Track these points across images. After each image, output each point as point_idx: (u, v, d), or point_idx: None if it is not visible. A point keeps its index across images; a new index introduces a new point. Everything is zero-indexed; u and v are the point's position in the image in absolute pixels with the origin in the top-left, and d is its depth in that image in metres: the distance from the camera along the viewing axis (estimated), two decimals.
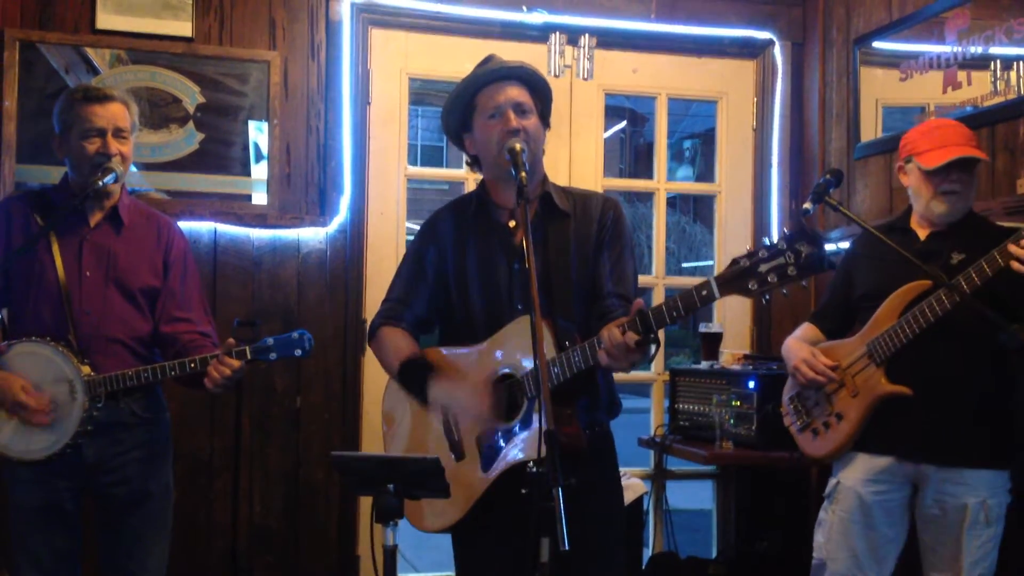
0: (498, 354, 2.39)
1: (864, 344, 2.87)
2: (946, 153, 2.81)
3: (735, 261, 2.03)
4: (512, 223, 2.49)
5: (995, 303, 2.66)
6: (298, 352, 2.79)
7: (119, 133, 2.83)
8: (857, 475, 2.88)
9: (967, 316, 2.68)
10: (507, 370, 2.38)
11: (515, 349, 2.35)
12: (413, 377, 2.49)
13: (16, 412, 2.73)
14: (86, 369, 2.75)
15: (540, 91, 2.50)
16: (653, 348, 2.23)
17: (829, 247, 3.88)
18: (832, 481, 2.96)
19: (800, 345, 3.03)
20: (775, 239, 2.00)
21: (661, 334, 2.25)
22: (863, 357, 2.86)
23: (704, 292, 2.07)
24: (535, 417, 2.26)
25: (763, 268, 1.98)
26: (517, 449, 2.33)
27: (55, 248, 2.80)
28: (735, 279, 2.02)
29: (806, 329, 3.13)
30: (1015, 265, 2.53)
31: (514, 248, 2.47)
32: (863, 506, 2.86)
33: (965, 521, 2.75)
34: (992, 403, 2.81)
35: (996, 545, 2.79)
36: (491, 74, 2.46)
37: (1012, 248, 2.54)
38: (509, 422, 2.36)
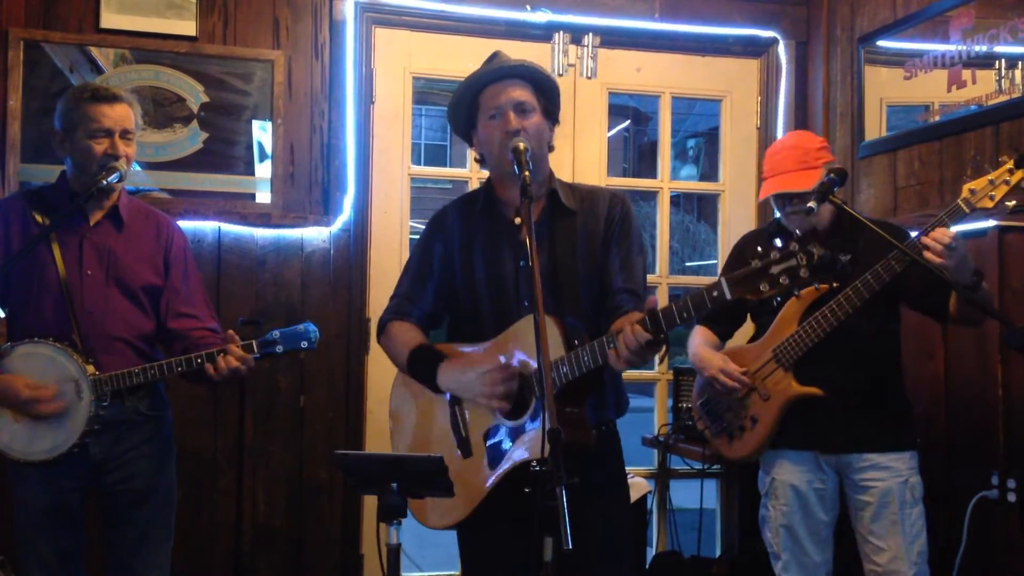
0: (506, 352, 2.39)
1: (770, 349, 3.01)
2: (768, 187, 3.03)
3: (746, 261, 2.02)
4: (518, 220, 2.48)
5: (897, 296, 2.92)
6: (304, 344, 2.82)
7: (126, 134, 2.83)
8: (789, 470, 3.05)
9: (865, 315, 2.87)
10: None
11: (523, 347, 2.34)
12: (423, 365, 2.49)
13: (25, 411, 2.72)
14: (91, 368, 2.75)
15: (544, 88, 2.49)
16: (663, 347, 2.24)
17: None
18: (767, 479, 3.13)
19: (711, 353, 3.15)
20: (786, 241, 1.99)
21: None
22: (770, 362, 3.01)
23: (715, 293, 2.05)
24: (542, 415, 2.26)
25: (775, 270, 1.97)
26: (523, 447, 2.33)
27: (55, 247, 2.80)
28: (746, 280, 2.01)
29: (702, 332, 3.27)
30: (929, 255, 2.65)
31: (520, 245, 2.46)
32: (800, 497, 3.04)
33: (893, 503, 2.92)
34: (893, 390, 3.03)
35: (924, 524, 2.97)
36: (493, 73, 2.46)
37: (926, 240, 2.66)
38: (517, 420, 2.36)
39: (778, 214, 3.15)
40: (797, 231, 3.00)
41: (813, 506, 3.04)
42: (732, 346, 3.23)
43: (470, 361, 2.44)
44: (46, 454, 2.74)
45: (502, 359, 2.37)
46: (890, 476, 2.94)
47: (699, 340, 3.23)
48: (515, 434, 2.35)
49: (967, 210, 2.73)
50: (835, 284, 2.73)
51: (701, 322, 3.29)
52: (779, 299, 2.07)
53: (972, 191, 2.73)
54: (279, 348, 2.80)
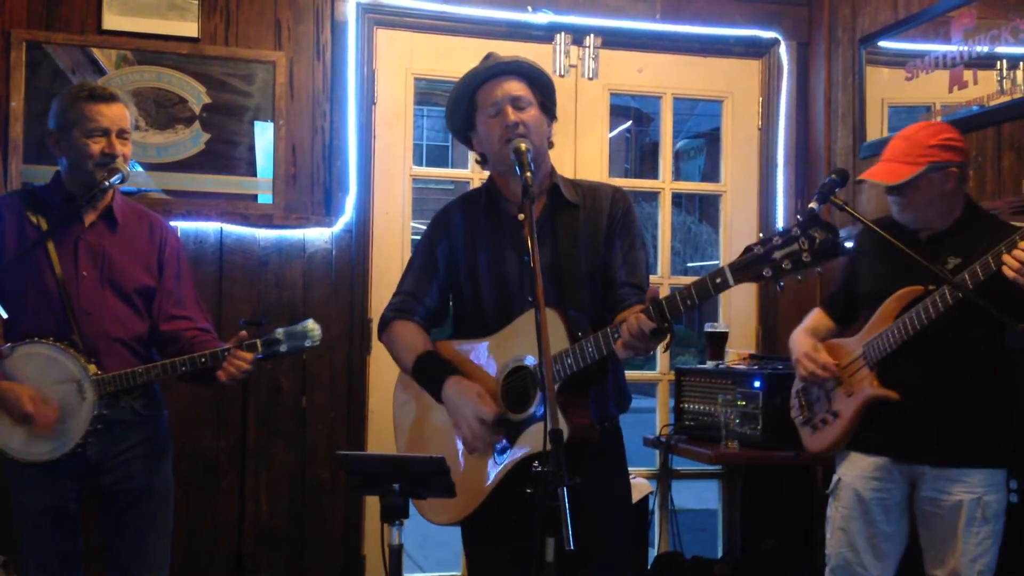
0: (510, 346, 2.40)
1: (861, 345, 2.91)
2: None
3: (749, 248, 2.02)
4: (521, 216, 2.49)
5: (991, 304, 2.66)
6: (308, 342, 2.83)
7: (122, 134, 2.83)
8: (855, 472, 2.94)
9: (958, 319, 2.69)
10: (519, 362, 2.38)
11: (527, 341, 2.34)
12: (429, 375, 2.50)
13: (22, 419, 2.72)
14: (93, 368, 2.75)
15: (539, 83, 2.50)
16: (668, 337, 2.23)
17: None
18: (834, 478, 3.02)
19: (805, 339, 3.06)
20: (788, 225, 1.99)
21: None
22: (859, 358, 2.91)
23: (718, 280, 2.06)
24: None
25: (777, 255, 1.98)
26: (528, 442, 2.33)
27: (51, 249, 2.80)
28: (749, 266, 2.01)
29: (817, 315, 3.16)
30: (1007, 271, 2.52)
31: (523, 240, 2.46)
32: (861, 503, 2.91)
33: (962, 518, 2.78)
34: (986, 404, 2.83)
35: (996, 542, 2.81)
36: (487, 71, 2.47)
37: (1006, 258, 2.53)
38: (521, 414, 2.36)
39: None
40: (899, 218, 2.87)
41: (874, 514, 2.90)
42: (836, 339, 3.09)
43: (472, 372, 2.45)
44: (48, 455, 2.74)
45: (509, 347, 2.38)
46: (963, 491, 2.77)
47: (805, 323, 3.13)
48: (519, 429, 2.36)
49: None
50: (931, 287, 2.71)
51: (820, 304, 3.19)
52: (782, 284, 2.03)
53: None
54: (283, 347, 2.81)
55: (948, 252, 2.82)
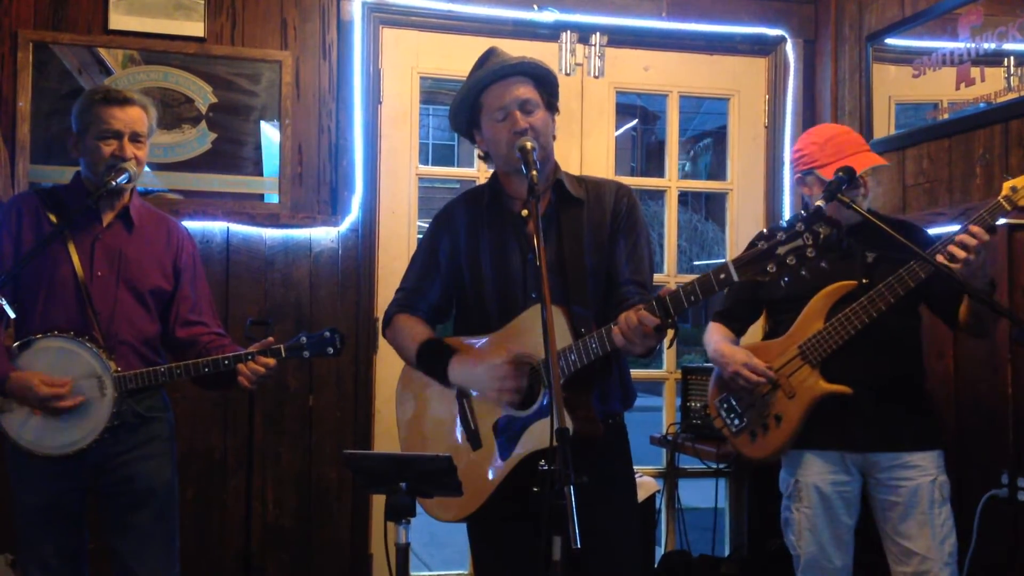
0: (513, 343, 2.40)
1: (795, 345, 2.95)
2: (868, 159, 2.97)
3: (753, 243, 2.01)
4: (525, 212, 2.49)
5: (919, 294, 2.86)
6: (330, 351, 2.87)
7: (136, 137, 2.84)
8: (814, 471, 2.99)
9: (890, 311, 2.82)
10: (522, 359, 2.38)
11: (530, 338, 2.35)
12: (432, 359, 2.50)
13: (43, 407, 2.72)
14: (113, 365, 2.76)
15: (545, 82, 2.50)
16: (671, 332, 2.23)
17: None
18: (790, 480, 3.05)
19: (733, 349, 3.09)
20: (792, 221, 1.98)
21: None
22: (795, 358, 2.95)
23: (722, 275, 2.05)
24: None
25: (782, 250, 1.97)
26: (533, 439, 2.33)
27: (71, 247, 2.81)
28: (753, 261, 2.01)
29: (720, 329, 3.22)
30: (954, 249, 2.63)
31: (527, 237, 2.47)
32: (824, 500, 2.97)
33: (923, 500, 2.88)
34: (918, 389, 3.00)
35: (954, 523, 2.92)
36: (494, 73, 2.46)
37: (961, 237, 2.64)
38: (526, 410, 2.36)
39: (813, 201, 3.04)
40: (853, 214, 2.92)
41: (837, 509, 2.98)
42: (753, 342, 3.17)
43: (480, 355, 2.44)
44: (64, 448, 2.75)
45: (512, 352, 2.37)
46: (919, 475, 2.89)
47: (717, 336, 3.17)
48: (524, 425, 2.35)
49: (1008, 207, 2.67)
50: (864, 280, 2.77)
51: (715, 318, 3.25)
52: (786, 279, 2.02)
53: (1014, 188, 2.67)
54: (305, 353, 2.86)
55: (864, 247, 2.96)
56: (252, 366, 2.79)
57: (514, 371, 2.34)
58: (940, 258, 2.65)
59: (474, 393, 2.46)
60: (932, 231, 3.16)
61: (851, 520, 3.01)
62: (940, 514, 2.88)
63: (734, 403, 3.08)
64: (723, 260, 2.13)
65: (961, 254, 2.62)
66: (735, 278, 2.04)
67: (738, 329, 3.23)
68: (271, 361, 2.80)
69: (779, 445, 2.99)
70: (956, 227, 2.87)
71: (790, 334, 2.99)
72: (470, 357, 2.44)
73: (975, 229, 2.62)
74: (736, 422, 3.07)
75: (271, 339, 2.84)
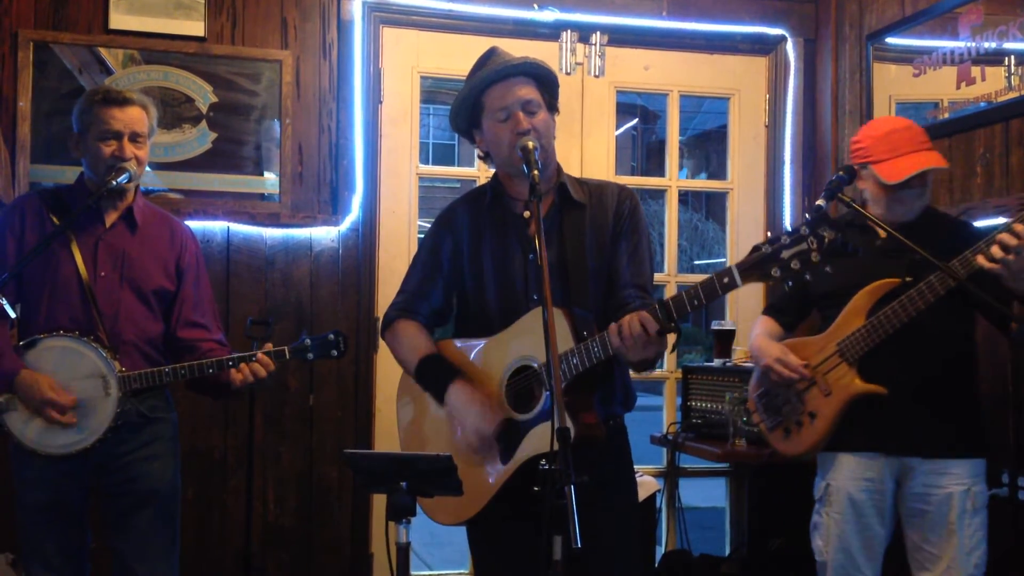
0: (514, 345, 2.40)
1: (834, 343, 2.89)
2: (906, 166, 2.82)
3: (757, 247, 2.00)
4: (527, 214, 2.48)
5: (966, 300, 2.72)
6: (334, 353, 2.90)
7: (136, 137, 2.84)
8: (846, 476, 2.91)
9: (934, 310, 2.71)
10: (523, 362, 2.38)
11: (532, 340, 2.34)
12: (432, 378, 2.50)
13: (41, 410, 2.73)
14: (118, 365, 2.77)
15: (546, 82, 2.50)
16: (673, 338, 2.22)
17: None
18: (821, 484, 2.98)
19: (770, 343, 3.04)
20: (796, 225, 1.98)
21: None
22: (834, 355, 2.88)
23: (726, 280, 2.05)
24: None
25: (785, 254, 1.97)
26: (533, 442, 2.33)
27: (74, 247, 2.81)
28: (757, 266, 2.00)
29: (766, 323, 3.16)
30: (995, 250, 2.51)
31: (529, 239, 2.46)
32: (855, 506, 2.89)
33: (954, 510, 2.78)
34: (963, 395, 2.87)
35: (985, 534, 2.82)
36: (496, 73, 2.45)
37: (1002, 236, 2.52)
38: (526, 414, 2.36)
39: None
40: (906, 212, 2.86)
41: (869, 517, 2.88)
42: (795, 338, 3.09)
43: (476, 375, 2.45)
44: (66, 448, 2.75)
45: (514, 346, 2.38)
46: (952, 483, 2.79)
47: (760, 330, 3.12)
48: (524, 429, 2.35)
49: None
50: (908, 279, 2.72)
51: (765, 312, 3.20)
52: (790, 283, 2.01)
53: None
54: (310, 355, 2.88)
55: (916, 245, 2.83)
56: (254, 366, 2.80)
57: (492, 445, 2.37)
58: (980, 259, 2.55)
59: None
60: None
61: (883, 529, 2.91)
62: (970, 525, 2.78)
63: (772, 399, 3.03)
64: (724, 260, 2.13)
65: (1000, 254, 2.50)
66: (739, 283, 2.04)
67: (787, 323, 3.14)
68: (272, 364, 2.80)
69: (813, 443, 2.92)
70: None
71: (831, 331, 2.91)
72: (468, 396, 2.42)
73: (1019, 228, 2.49)
74: (772, 417, 3.02)
75: (269, 345, 2.85)
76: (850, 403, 2.85)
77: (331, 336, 2.88)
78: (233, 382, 2.81)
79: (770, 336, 3.08)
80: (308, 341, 2.86)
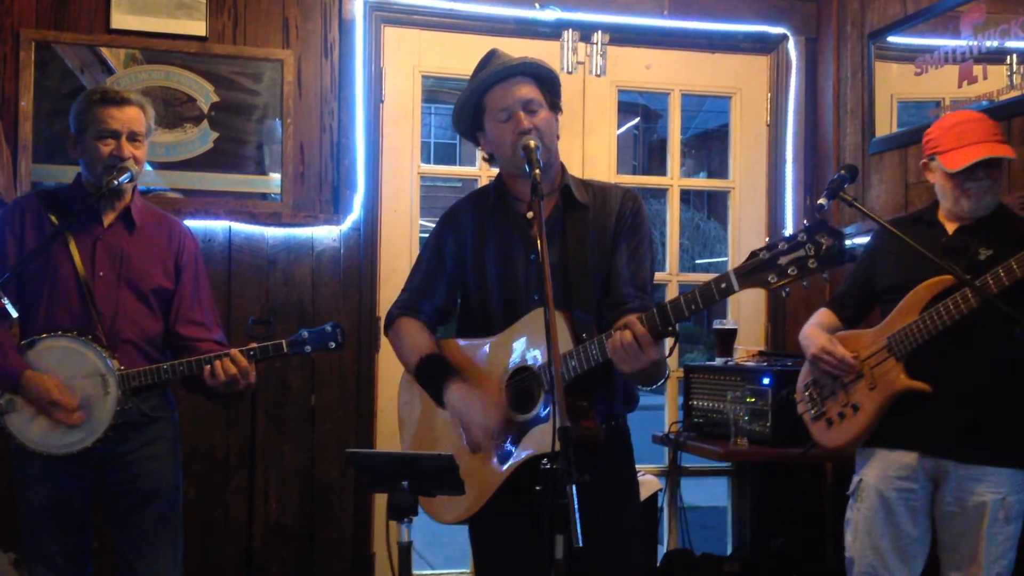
0: (514, 345, 2.40)
1: (884, 337, 2.85)
2: (968, 154, 2.78)
3: (754, 253, 2.01)
4: (530, 214, 2.48)
5: (1020, 301, 2.62)
6: (332, 345, 2.89)
7: (134, 137, 2.84)
8: (879, 473, 2.87)
9: (990, 313, 2.64)
10: (523, 362, 2.38)
11: (531, 341, 2.35)
12: (431, 377, 2.50)
13: (48, 411, 2.74)
14: (116, 363, 2.77)
15: (547, 82, 2.50)
16: (669, 343, 2.22)
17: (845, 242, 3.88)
18: (855, 479, 2.96)
19: (819, 333, 3.01)
20: (795, 231, 1.98)
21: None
22: (883, 350, 2.85)
23: (723, 285, 2.05)
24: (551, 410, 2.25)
25: (783, 260, 1.97)
26: (533, 442, 2.33)
27: (72, 247, 2.81)
28: (754, 271, 2.00)
29: (823, 314, 3.12)
30: None
31: (532, 239, 2.46)
32: (886, 504, 2.86)
33: (985, 518, 2.74)
34: (1008, 401, 2.78)
35: (1014, 544, 2.78)
36: (497, 74, 2.45)
37: None
38: (525, 414, 2.36)
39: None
40: (972, 207, 2.80)
41: (900, 516, 2.84)
42: (848, 330, 3.04)
43: (475, 374, 2.45)
44: (67, 448, 2.75)
45: (514, 346, 2.37)
46: (988, 491, 2.73)
47: (813, 320, 3.09)
48: (523, 429, 2.35)
49: None
50: (967, 276, 2.66)
51: (826, 304, 3.16)
52: (787, 291, 2.02)
53: None
54: (307, 348, 2.86)
55: (980, 243, 2.79)
56: (225, 362, 2.76)
57: (497, 437, 2.36)
58: None
59: None
60: None
61: (916, 531, 2.85)
62: (1000, 533, 2.74)
63: (819, 389, 3.00)
64: (725, 259, 2.13)
65: None
66: (736, 288, 2.04)
67: (847, 317, 3.09)
68: (244, 362, 2.76)
69: (854, 435, 2.89)
70: None
71: (884, 324, 2.88)
72: (467, 395, 2.42)
73: None
74: (816, 408, 3.00)
75: (253, 344, 2.83)
76: (894, 398, 2.82)
77: (328, 328, 2.87)
78: (207, 380, 2.78)
79: (822, 327, 3.05)
80: (305, 334, 2.86)
